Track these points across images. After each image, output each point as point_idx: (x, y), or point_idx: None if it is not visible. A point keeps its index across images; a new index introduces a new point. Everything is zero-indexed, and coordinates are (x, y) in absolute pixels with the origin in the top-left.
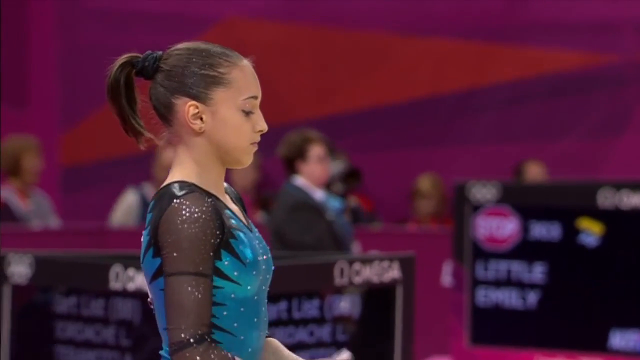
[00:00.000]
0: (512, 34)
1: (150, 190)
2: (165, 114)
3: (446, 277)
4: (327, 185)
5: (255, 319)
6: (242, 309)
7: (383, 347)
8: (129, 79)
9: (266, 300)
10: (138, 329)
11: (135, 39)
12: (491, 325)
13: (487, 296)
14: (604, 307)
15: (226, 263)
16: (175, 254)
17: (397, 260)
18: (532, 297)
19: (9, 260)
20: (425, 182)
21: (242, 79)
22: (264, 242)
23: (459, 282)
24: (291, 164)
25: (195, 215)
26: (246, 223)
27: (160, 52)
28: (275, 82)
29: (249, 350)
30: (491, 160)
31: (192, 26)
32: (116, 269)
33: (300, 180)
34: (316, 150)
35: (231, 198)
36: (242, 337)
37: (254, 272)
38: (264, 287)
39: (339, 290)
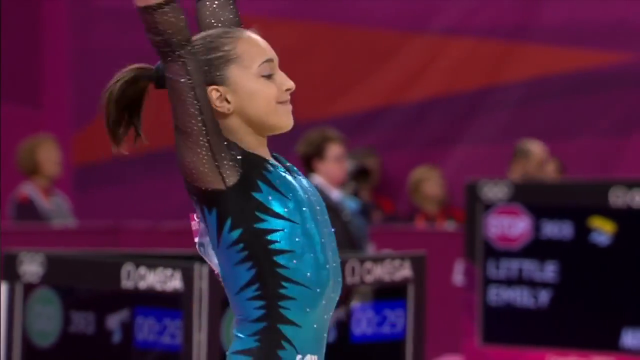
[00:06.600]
0: (527, 33)
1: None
2: None
3: (458, 276)
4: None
5: (327, 265)
6: (311, 255)
7: (395, 346)
8: (143, 93)
9: (336, 247)
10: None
11: (147, 40)
12: (503, 324)
13: (499, 295)
14: (615, 306)
15: (270, 198)
16: None
17: (408, 259)
18: (544, 296)
19: (20, 259)
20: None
21: (251, 48)
22: (318, 196)
23: (470, 281)
24: (309, 163)
25: None
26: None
27: None
28: None
29: (323, 302)
30: (506, 159)
31: None
32: (127, 267)
33: (317, 179)
34: (335, 150)
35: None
36: (318, 290)
37: (304, 208)
38: (325, 230)
39: (351, 289)
